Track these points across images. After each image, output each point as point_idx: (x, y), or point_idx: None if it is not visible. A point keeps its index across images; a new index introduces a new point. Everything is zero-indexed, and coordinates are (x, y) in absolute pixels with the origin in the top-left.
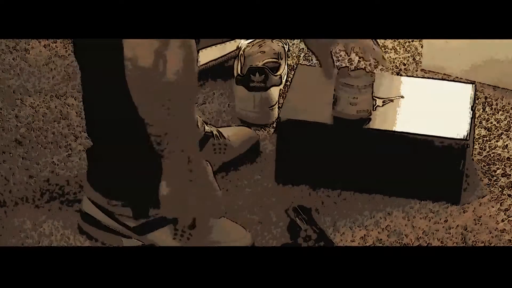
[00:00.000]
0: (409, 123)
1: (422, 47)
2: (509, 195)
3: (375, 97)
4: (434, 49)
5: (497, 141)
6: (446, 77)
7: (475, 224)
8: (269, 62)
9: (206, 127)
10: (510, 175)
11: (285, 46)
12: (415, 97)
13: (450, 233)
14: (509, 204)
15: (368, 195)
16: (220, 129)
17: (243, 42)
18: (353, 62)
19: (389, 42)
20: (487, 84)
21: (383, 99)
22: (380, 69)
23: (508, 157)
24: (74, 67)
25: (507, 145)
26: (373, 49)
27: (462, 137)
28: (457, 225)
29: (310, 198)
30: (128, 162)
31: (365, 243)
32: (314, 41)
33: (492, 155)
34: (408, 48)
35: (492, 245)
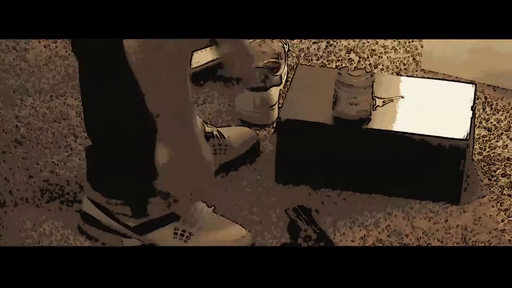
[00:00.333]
0: (409, 123)
1: (422, 47)
2: (509, 195)
3: (375, 97)
4: (434, 49)
5: (497, 141)
6: (446, 77)
7: (475, 224)
8: (269, 62)
9: (207, 128)
10: (510, 175)
11: (285, 46)
12: (415, 97)
13: (450, 233)
14: (509, 204)
15: (368, 195)
16: (220, 129)
17: None
18: (353, 62)
19: (389, 42)
20: (487, 84)
21: (383, 99)
22: (380, 69)
23: (508, 157)
24: (74, 67)
25: (507, 145)
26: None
27: (462, 137)
28: (457, 225)
29: (310, 198)
30: (127, 162)
31: (365, 243)
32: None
33: (492, 155)
34: (408, 48)
35: (492, 245)
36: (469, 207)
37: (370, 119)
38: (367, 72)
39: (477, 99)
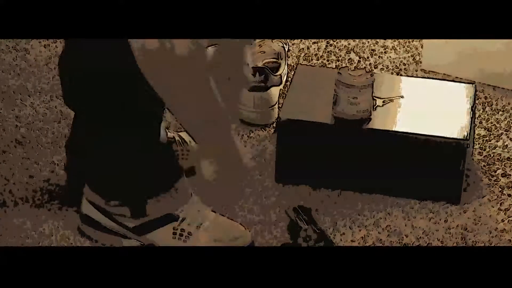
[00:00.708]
0: (409, 123)
1: (422, 47)
2: (509, 195)
3: (375, 97)
4: (434, 49)
5: (497, 141)
6: (446, 77)
7: (475, 224)
8: (269, 62)
9: (169, 133)
10: (510, 175)
11: (285, 46)
12: (415, 97)
13: (450, 233)
14: (509, 204)
15: (368, 195)
16: (181, 134)
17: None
18: (353, 62)
19: (389, 42)
20: (487, 84)
21: (383, 99)
22: (381, 69)
23: (508, 157)
24: None
25: (507, 145)
26: None
27: (462, 137)
28: (457, 225)
29: (310, 198)
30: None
31: (365, 243)
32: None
33: (492, 155)
34: (408, 48)
35: (492, 245)
36: (469, 207)
37: (370, 119)
38: (367, 72)
39: (477, 99)
